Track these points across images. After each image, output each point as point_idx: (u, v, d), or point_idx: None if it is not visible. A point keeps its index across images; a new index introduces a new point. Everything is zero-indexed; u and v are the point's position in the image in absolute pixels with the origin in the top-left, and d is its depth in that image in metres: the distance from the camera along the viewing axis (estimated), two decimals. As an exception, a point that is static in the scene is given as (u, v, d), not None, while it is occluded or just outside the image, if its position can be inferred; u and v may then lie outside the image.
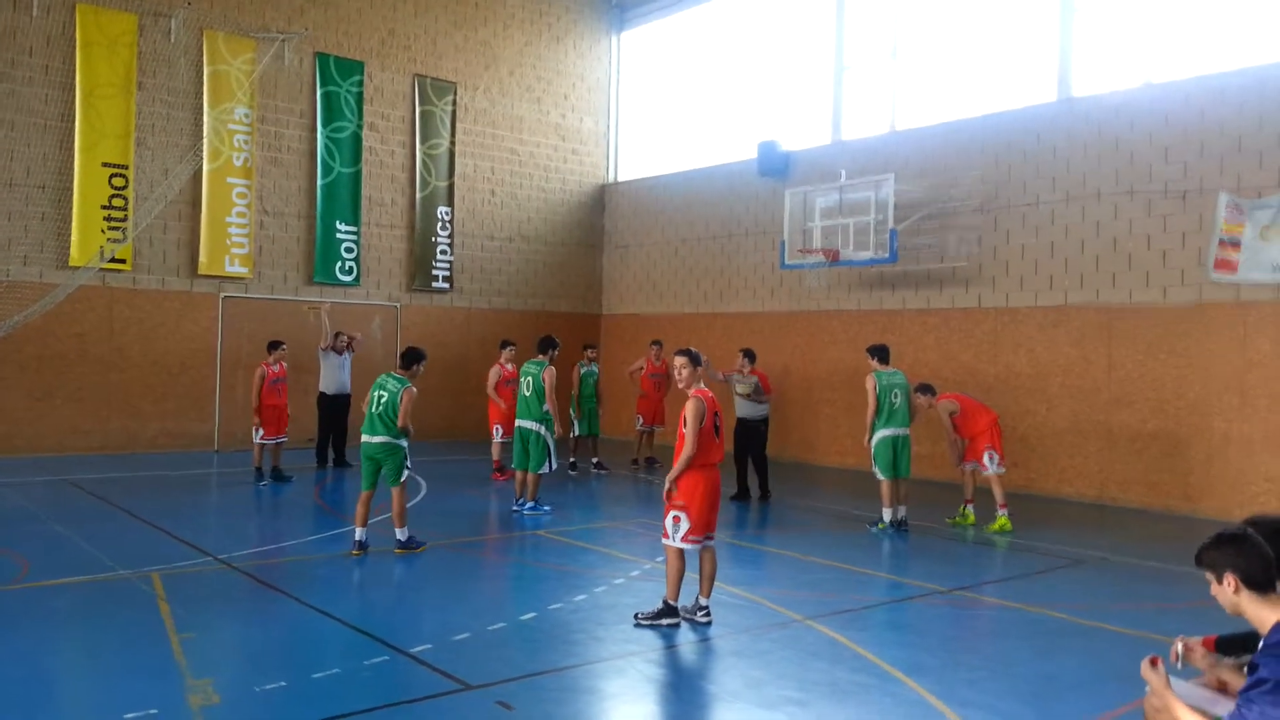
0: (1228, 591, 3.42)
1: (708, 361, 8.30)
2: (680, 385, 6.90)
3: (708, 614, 6.76)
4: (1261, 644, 3.31)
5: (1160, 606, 7.63)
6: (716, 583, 6.96)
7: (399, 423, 8.72)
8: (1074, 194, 13.31)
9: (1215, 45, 12.41)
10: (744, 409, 12.31)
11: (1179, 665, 3.90)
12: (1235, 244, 11.64)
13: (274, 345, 13.18)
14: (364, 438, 8.83)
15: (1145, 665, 3.69)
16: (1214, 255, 11.78)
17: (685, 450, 6.58)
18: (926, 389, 11.03)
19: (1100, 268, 13.00)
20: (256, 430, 12.77)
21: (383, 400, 8.85)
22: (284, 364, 13.09)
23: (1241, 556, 3.39)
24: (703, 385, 6.83)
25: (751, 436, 12.31)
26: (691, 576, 6.83)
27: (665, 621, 6.62)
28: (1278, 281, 11.36)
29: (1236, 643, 4.03)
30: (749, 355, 12.42)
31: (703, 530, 6.67)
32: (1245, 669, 3.47)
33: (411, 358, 9.17)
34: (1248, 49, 12.07)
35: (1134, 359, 12.57)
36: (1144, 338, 12.49)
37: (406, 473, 8.82)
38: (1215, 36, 12.43)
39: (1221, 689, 3.79)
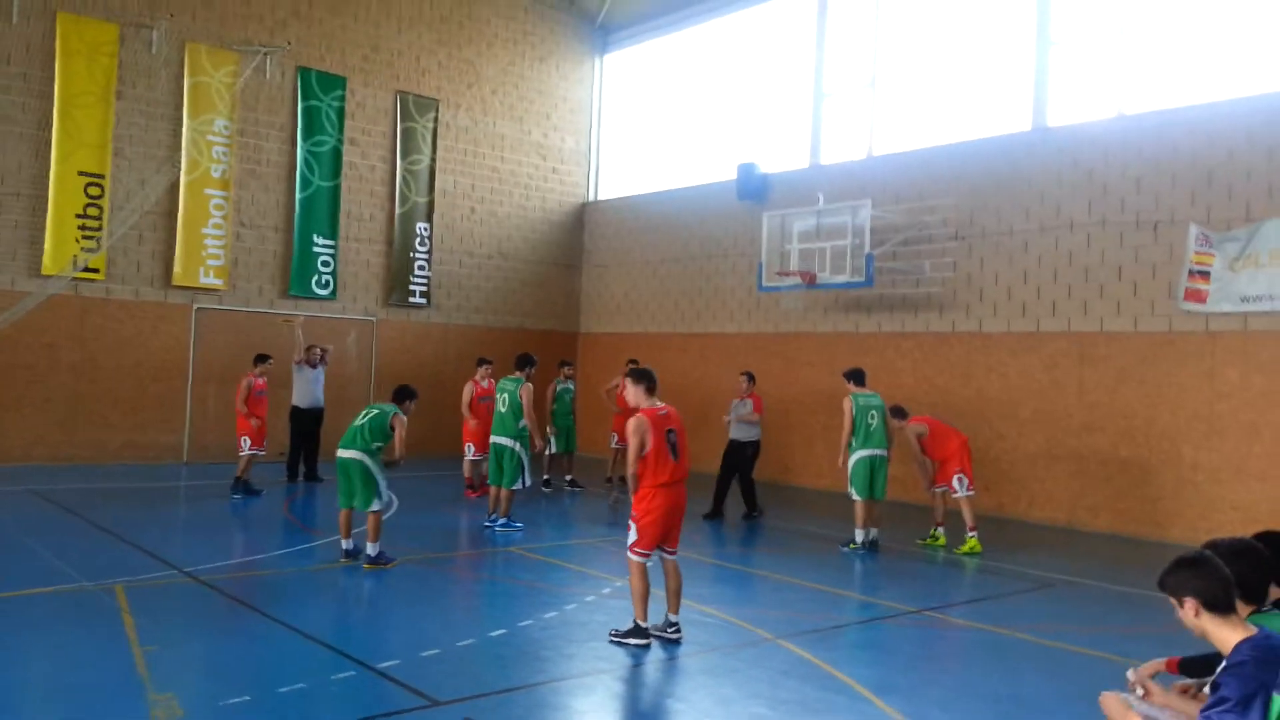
0: (1190, 615, 3.46)
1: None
2: (630, 402, 6.89)
3: (677, 630, 6.73)
4: (1224, 664, 3.35)
5: (1127, 630, 7.69)
6: (688, 601, 6.95)
7: (397, 452, 8.73)
8: (1048, 223, 13.49)
9: (1187, 78, 12.65)
10: (736, 431, 12.51)
11: (1137, 693, 3.94)
12: (1205, 275, 11.85)
13: (261, 358, 13.15)
14: (339, 452, 8.77)
15: (1102, 699, 3.74)
16: (1184, 286, 11.99)
17: (628, 469, 6.62)
18: (898, 412, 11.13)
19: (1073, 296, 13.16)
20: (245, 441, 12.64)
21: (370, 416, 8.86)
22: (266, 377, 13.04)
23: (1200, 579, 3.44)
24: (656, 403, 6.77)
25: (738, 457, 12.44)
26: (660, 594, 6.81)
27: (632, 641, 6.56)
28: (1246, 312, 11.56)
29: (1200, 663, 4.08)
30: (750, 378, 12.67)
31: (650, 544, 6.61)
32: (1208, 689, 3.51)
33: (403, 394, 9.14)
34: (1219, 83, 12.31)
35: (1104, 386, 12.72)
36: (1115, 365, 12.64)
37: (378, 501, 8.72)
38: (1187, 70, 12.68)
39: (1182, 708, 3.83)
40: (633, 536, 6.64)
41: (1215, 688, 3.32)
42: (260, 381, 12.90)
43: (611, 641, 6.62)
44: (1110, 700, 3.73)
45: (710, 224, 18.23)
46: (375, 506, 8.69)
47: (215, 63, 16.15)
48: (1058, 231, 13.37)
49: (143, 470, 14.62)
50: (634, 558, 6.63)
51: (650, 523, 6.59)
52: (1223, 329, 11.77)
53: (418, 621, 7.10)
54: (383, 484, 8.76)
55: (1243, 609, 3.65)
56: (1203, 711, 3.32)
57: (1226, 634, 3.38)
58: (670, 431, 6.65)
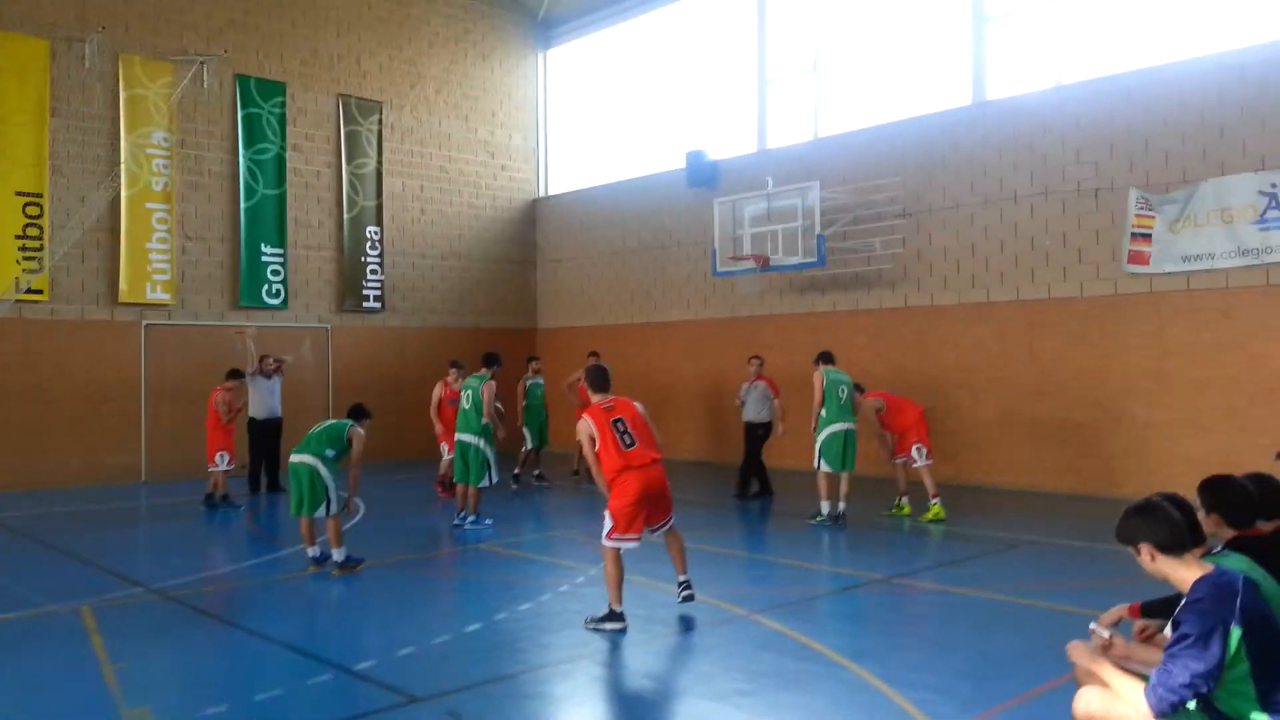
0: (1146, 560, 3.57)
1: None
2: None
3: (688, 587, 6.91)
4: (1183, 602, 3.46)
5: (1088, 585, 7.88)
6: (661, 585, 7.01)
7: (352, 473, 8.69)
8: (991, 197, 13.72)
9: (1121, 46, 12.94)
10: (749, 412, 12.83)
11: (1102, 636, 4.05)
12: (1147, 237, 12.15)
13: (234, 373, 13.13)
14: (292, 457, 8.68)
15: (1069, 650, 3.84)
16: (1127, 249, 12.28)
17: (592, 470, 6.89)
18: (857, 387, 11.32)
19: (1020, 265, 13.41)
20: (222, 457, 12.49)
21: (327, 425, 8.86)
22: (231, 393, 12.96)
23: (1149, 525, 3.57)
24: (606, 397, 6.97)
25: (751, 438, 12.82)
26: (638, 579, 6.85)
27: (608, 626, 6.63)
28: (1188, 271, 11.86)
29: (1161, 606, 4.20)
30: (760, 361, 13.01)
31: (625, 529, 6.70)
32: (1169, 629, 3.63)
33: (359, 413, 9.06)
34: (1152, 50, 12.60)
35: (1055, 351, 12.99)
36: (1064, 330, 12.91)
37: (327, 508, 8.57)
38: (1121, 37, 12.96)
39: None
40: (607, 525, 6.73)
41: (1175, 625, 3.42)
42: (230, 397, 12.84)
43: (588, 628, 6.66)
44: (1078, 649, 3.83)
45: (662, 213, 18.28)
46: (323, 513, 8.56)
47: (150, 74, 15.85)
48: (1002, 203, 13.62)
49: (101, 491, 14.35)
50: (608, 544, 6.72)
51: (623, 507, 6.68)
52: (1167, 289, 12.07)
53: (392, 622, 7.08)
54: (332, 489, 8.60)
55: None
56: (1166, 649, 3.42)
57: (1183, 573, 3.50)
58: (617, 421, 6.79)
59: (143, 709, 5.20)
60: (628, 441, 6.74)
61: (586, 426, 6.78)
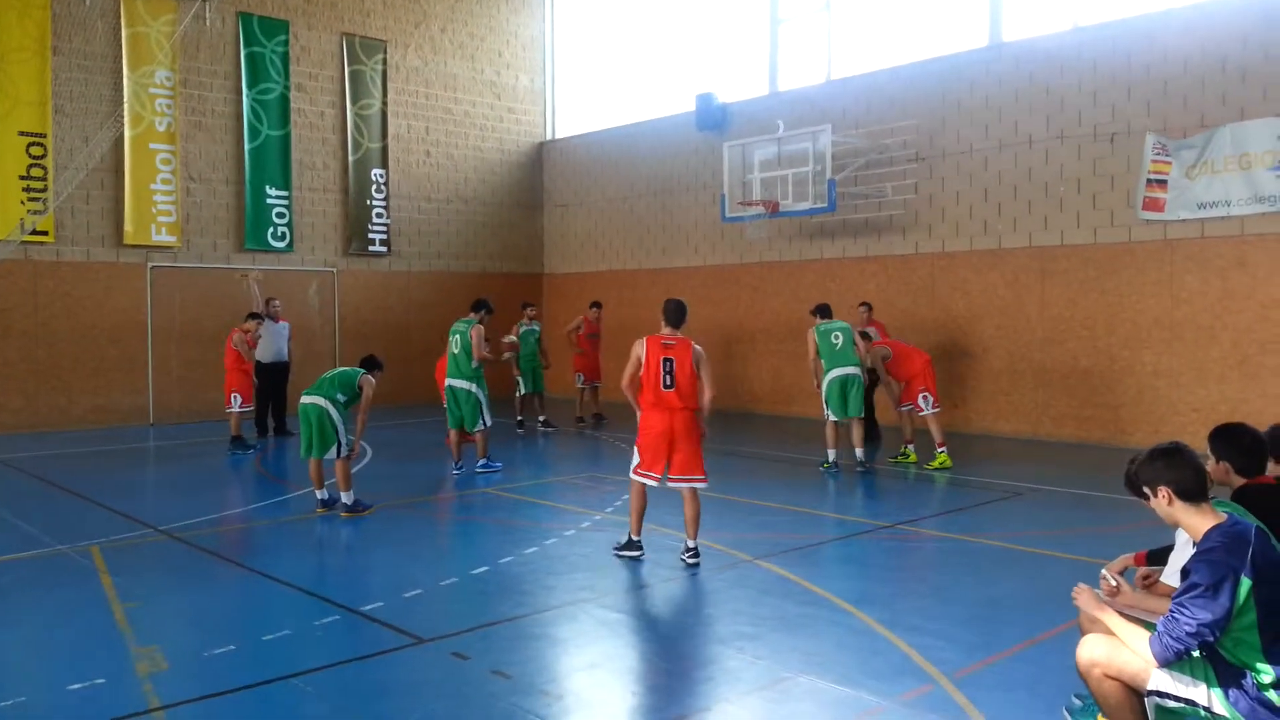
0: (1163, 504, 3.54)
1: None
2: None
3: (694, 554, 6.91)
4: (1194, 550, 3.44)
5: (1095, 531, 7.89)
6: (667, 529, 7.07)
7: (360, 418, 8.74)
8: (1006, 140, 13.49)
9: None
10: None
11: (1106, 592, 4.04)
12: (1162, 183, 11.95)
13: (254, 315, 13.24)
14: (302, 398, 8.72)
15: (1075, 593, 3.83)
16: (1142, 195, 12.09)
17: (623, 385, 7.01)
18: (863, 335, 11.26)
19: (1033, 211, 13.24)
20: (235, 398, 12.57)
21: (340, 370, 8.91)
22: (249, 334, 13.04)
23: (1174, 470, 3.52)
24: (671, 333, 6.99)
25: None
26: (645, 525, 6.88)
27: (626, 553, 7.10)
28: (1203, 219, 11.69)
29: (1166, 554, 4.19)
30: (868, 307, 12.83)
31: (647, 465, 6.92)
32: (1176, 579, 3.61)
33: (371, 364, 9.04)
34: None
35: (1066, 299, 12.87)
36: (1076, 278, 12.78)
37: (337, 449, 8.62)
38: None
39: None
40: (634, 460, 7.02)
41: (1185, 574, 3.41)
42: (250, 338, 12.87)
43: (614, 553, 7.14)
44: (1084, 594, 3.82)
45: (671, 157, 18.05)
46: (333, 454, 8.63)
47: (152, 11, 15.59)
48: (1016, 147, 13.39)
49: (109, 433, 14.45)
50: (634, 478, 7.03)
51: (645, 443, 6.91)
52: (1181, 236, 11.91)
53: (399, 564, 7.13)
54: (342, 431, 8.67)
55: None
56: (1175, 598, 3.41)
57: (1197, 521, 3.47)
58: (667, 360, 6.85)
59: (152, 647, 5.26)
60: (667, 382, 6.86)
61: (639, 349, 6.91)
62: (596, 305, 15.54)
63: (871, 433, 12.54)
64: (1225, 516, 3.46)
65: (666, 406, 6.85)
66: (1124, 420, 12.34)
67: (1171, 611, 3.38)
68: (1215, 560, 3.31)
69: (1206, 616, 3.28)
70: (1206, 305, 11.70)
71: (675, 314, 7.06)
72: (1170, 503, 3.52)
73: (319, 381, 8.82)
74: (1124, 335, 12.36)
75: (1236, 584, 3.28)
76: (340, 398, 8.69)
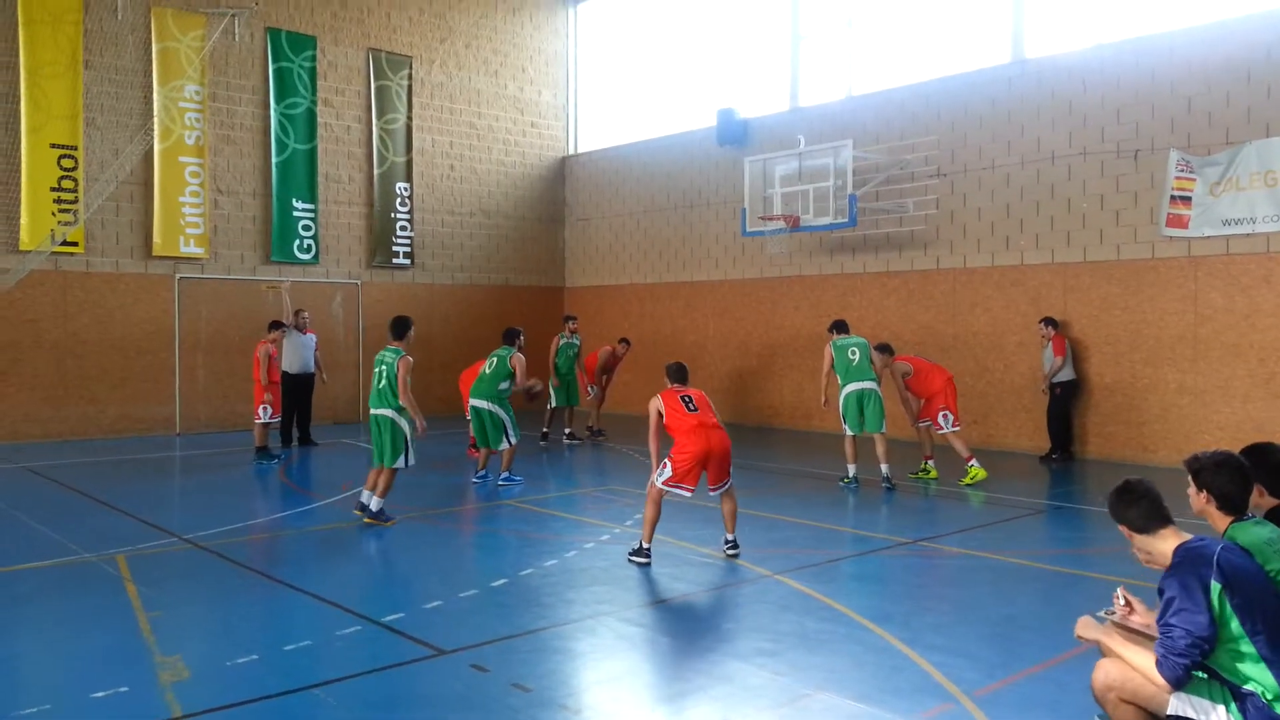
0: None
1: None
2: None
3: (734, 547, 7.49)
4: (1164, 572, 3.57)
5: (1117, 550, 7.81)
6: (686, 543, 7.11)
7: (400, 398, 8.73)
8: (1028, 157, 13.46)
9: (1164, 4, 12.56)
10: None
11: (1119, 602, 4.07)
12: (1186, 200, 11.88)
13: (276, 325, 13.33)
14: (371, 410, 8.91)
15: (1077, 627, 3.92)
16: (1165, 212, 12.02)
17: (649, 442, 7.64)
18: (884, 348, 11.23)
19: (1055, 228, 13.19)
20: (265, 409, 12.71)
21: (382, 374, 8.88)
22: (277, 345, 13.21)
23: (1125, 507, 3.76)
24: (680, 387, 7.67)
25: (1049, 398, 12.64)
26: (662, 539, 6.88)
27: (636, 560, 7.35)
28: (1227, 235, 11.61)
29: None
30: (1051, 323, 12.63)
31: (680, 479, 7.25)
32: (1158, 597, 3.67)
33: (402, 327, 9.17)
34: (1195, 8, 12.23)
35: (1089, 315, 12.80)
36: (1098, 295, 12.71)
37: (402, 459, 8.77)
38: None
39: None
40: (665, 472, 7.30)
41: (1160, 593, 3.56)
42: (275, 349, 13.04)
43: (628, 558, 7.42)
44: (1087, 625, 3.96)
45: (692, 171, 18.12)
46: (402, 463, 8.78)
47: (182, 27, 15.84)
48: (1039, 164, 13.36)
49: (136, 443, 14.61)
50: (661, 488, 7.31)
51: (684, 460, 7.27)
52: (1205, 253, 11.83)
53: (420, 575, 7.18)
54: (411, 440, 8.81)
55: (1223, 519, 3.77)
56: (1159, 619, 3.53)
57: (1163, 546, 3.64)
58: (686, 397, 7.54)
59: (175, 657, 5.32)
60: (691, 408, 7.46)
61: (657, 403, 7.53)
62: (625, 342, 15.56)
63: (1057, 443, 12.63)
64: (1190, 536, 3.60)
65: (701, 425, 7.32)
66: (1147, 438, 12.24)
67: (1162, 631, 3.51)
68: (1182, 573, 3.46)
69: (1192, 624, 3.39)
70: (1232, 322, 11.60)
71: (679, 373, 7.79)
72: (1131, 537, 3.72)
73: (375, 394, 8.86)
74: (1147, 352, 12.28)
75: (1207, 590, 3.40)
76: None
